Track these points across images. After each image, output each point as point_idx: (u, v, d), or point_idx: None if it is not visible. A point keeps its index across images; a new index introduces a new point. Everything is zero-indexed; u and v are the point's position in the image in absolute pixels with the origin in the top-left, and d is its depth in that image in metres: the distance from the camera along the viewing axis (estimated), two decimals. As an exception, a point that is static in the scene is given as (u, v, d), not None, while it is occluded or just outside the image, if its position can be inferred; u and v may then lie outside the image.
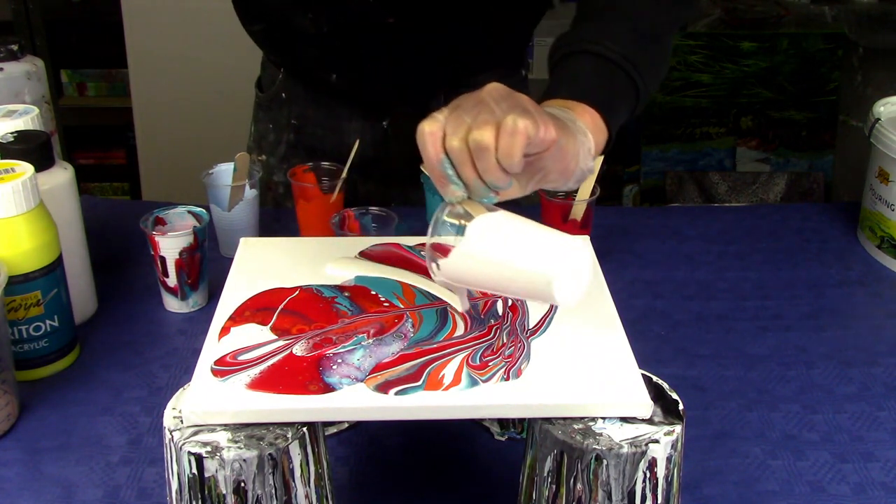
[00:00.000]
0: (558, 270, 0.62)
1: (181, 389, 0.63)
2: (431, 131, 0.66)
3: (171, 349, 0.93)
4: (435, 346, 0.67)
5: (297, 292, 0.73)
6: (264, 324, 0.69)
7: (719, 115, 2.34)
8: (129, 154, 2.65)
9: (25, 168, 0.83)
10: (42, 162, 0.89)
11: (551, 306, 0.72)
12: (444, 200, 0.68)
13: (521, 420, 0.80)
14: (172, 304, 0.99)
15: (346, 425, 0.82)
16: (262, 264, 0.78)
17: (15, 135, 0.90)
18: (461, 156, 0.65)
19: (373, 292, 0.74)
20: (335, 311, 0.71)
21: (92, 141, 2.68)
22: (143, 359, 0.91)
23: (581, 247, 0.64)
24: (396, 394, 0.62)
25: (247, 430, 0.59)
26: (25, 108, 0.97)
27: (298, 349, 0.66)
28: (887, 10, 2.32)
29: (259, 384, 0.62)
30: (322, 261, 0.78)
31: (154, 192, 2.38)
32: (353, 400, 0.61)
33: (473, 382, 0.63)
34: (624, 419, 0.61)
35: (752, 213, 1.24)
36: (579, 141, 0.73)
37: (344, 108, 1.20)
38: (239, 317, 0.70)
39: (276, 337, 0.67)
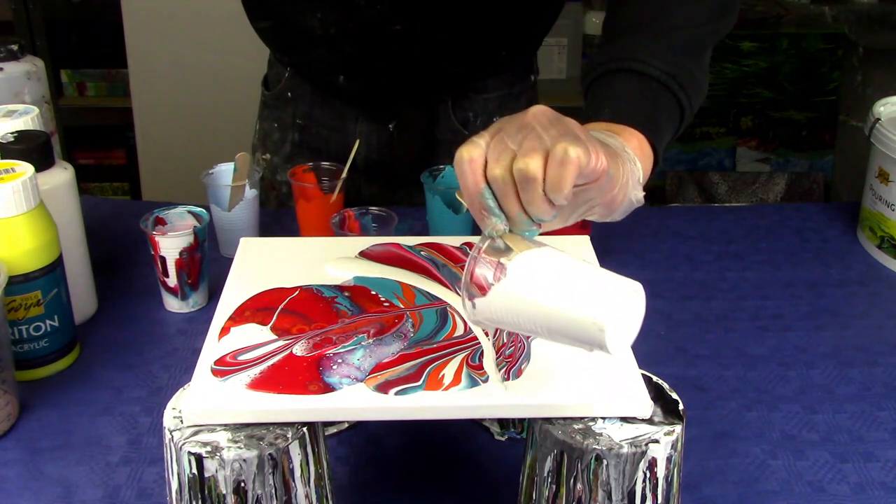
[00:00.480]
0: (611, 316, 0.56)
1: (181, 389, 0.63)
2: (471, 158, 0.60)
3: (171, 349, 0.93)
4: (435, 346, 0.67)
5: (297, 292, 0.73)
6: (264, 324, 0.69)
7: (719, 115, 2.34)
8: (129, 154, 2.65)
9: (25, 168, 0.83)
10: (42, 162, 0.89)
11: None
12: (483, 233, 0.61)
13: (521, 420, 0.80)
14: (172, 304, 0.99)
15: (346, 425, 0.82)
16: (262, 264, 0.78)
17: (15, 135, 0.90)
18: (504, 186, 0.59)
19: (373, 292, 0.74)
20: (335, 311, 0.71)
21: (92, 141, 2.68)
22: (143, 359, 0.91)
23: (637, 290, 0.59)
24: (396, 394, 0.62)
25: (247, 430, 0.59)
26: (25, 108, 0.97)
27: (298, 349, 0.66)
28: (887, 10, 2.32)
29: (259, 384, 0.62)
30: (322, 261, 0.78)
31: (154, 192, 2.38)
32: (353, 400, 0.61)
33: (473, 382, 0.63)
34: (624, 419, 0.61)
35: (752, 213, 1.24)
36: (629, 170, 0.69)
37: (350, 109, 1.19)
38: (239, 317, 0.70)
39: (276, 337, 0.67)
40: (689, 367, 0.91)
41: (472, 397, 0.62)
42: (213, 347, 0.66)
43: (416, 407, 0.61)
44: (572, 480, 0.59)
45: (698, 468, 0.78)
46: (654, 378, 0.65)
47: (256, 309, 0.71)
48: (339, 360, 0.65)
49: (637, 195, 0.70)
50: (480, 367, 0.64)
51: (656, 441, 0.59)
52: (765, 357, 0.93)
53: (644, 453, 0.58)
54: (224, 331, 0.68)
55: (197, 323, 0.97)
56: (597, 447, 0.58)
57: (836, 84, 2.32)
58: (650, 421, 0.61)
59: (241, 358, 0.65)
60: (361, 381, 0.63)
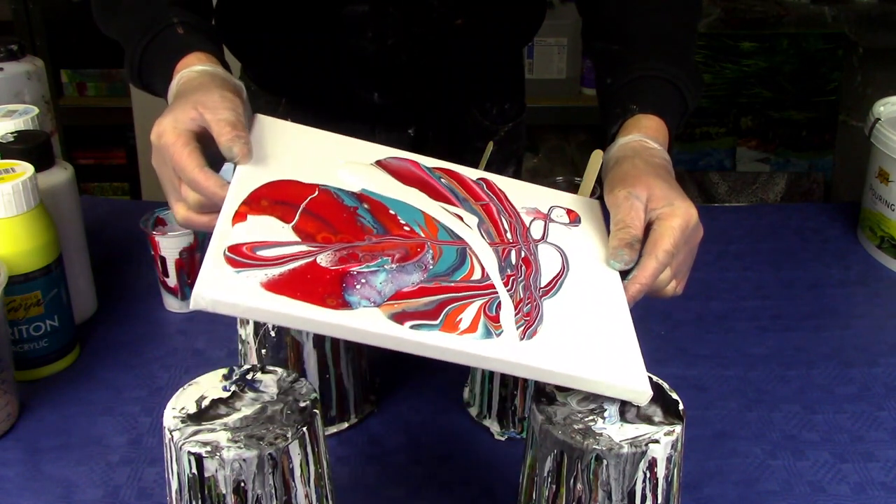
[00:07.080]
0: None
1: (181, 389, 0.63)
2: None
3: (171, 349, 0.93)
4: (453, 284, 0.65)
5: (316, 192, 0.70)
6: (286, 221, 0.66)
7: (719, 115, 2.34)
8: (129, 154, 2.65)
9: (25, 168, 0.83)
10: (42, 162, 0.89)
11: (562, 268, 0.72)
12: None
13: (521, 420, 0.81)
14: (172, 304, 0.99)
15: (346, 425, 0.82)
16: (277, 148, 0.73)
17: (15, 135, 0.90)
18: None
19: (391, 212, 0.70)
20: (360, 226, 0.68)
21: (92, 141, 2.68)
22: (143, 359, 0.91)
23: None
24: (412, 327, 0.60)
25: (247, 430, 0.59)
26: (25, 108, 0.97)
27: (323, 259, 0.63)
28: (887, 10, 2.32)
29: (276, 286, 0.60)
30: (339, 160, 0.74)
31: (154, 192, 2.37)
32: (367, 323, 0.59)
33: (488, 334, 0.62)
34: (624, 419, 0.61)
35: (752, 213, 1.24)
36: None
37: (365, 126, 1.09)
38: (255, 203, 0.66)
39: (299, 239, 0.65)
40: (689, 367, 0.91)
41: (484, 348, 0.61)
42: (226, 231, 0.63)
43: (426, 344, 0.60)
44: (572, 480, 0.59)
45: (698, 468, 0.78)
46: (654, 378, 0.64)
47: (274, 200, 0.67)
48: (363, 280, 0.62)
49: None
50: (497, 320, 0.63)
51: (656, 441, 0.59)
52: (765, 357, 0.93)
53: (644, 453, 0.58)
54: (239, 216, 0.65)
55: (197, 323, 0.97)
56: (597, 447, 0.58)
57: (836, 84, 2.32)
58: (650, 421, 0.61)
59: (260, 253, 0.62)
60: (379, 305, 0.61)
